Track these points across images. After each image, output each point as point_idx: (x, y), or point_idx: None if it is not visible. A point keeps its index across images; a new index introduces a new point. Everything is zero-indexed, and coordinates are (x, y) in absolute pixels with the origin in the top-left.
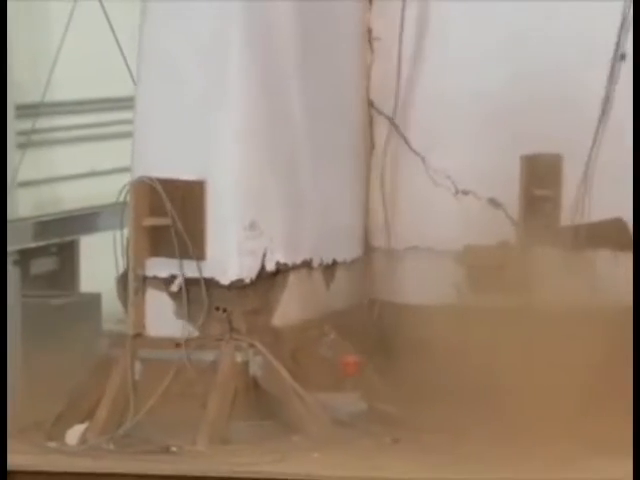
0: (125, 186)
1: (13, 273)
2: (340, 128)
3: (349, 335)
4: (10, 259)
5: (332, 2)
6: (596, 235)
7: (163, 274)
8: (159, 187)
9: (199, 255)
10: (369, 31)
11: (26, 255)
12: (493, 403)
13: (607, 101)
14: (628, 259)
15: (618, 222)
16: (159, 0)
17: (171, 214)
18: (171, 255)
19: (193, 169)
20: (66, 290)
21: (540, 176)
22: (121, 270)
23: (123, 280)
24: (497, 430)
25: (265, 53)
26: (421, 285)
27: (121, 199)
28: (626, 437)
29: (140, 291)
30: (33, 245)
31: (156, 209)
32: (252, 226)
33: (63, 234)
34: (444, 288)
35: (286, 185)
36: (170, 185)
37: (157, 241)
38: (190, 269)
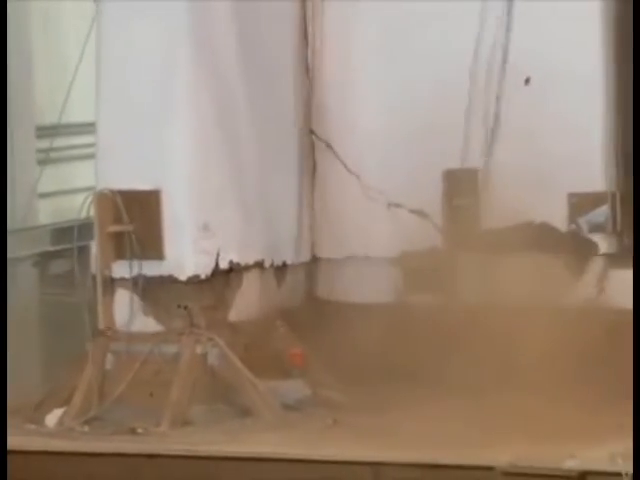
0: (88, 198)
1: (33, 274)
2: (284, 149)
3: (296, 329)
4: (30, 261)
5: (271, 35)
6: (516, 238)
7: (128, 275)
8: (118, 197)
9: (158, 255)
10: (306, 66)
11: (45, 258)
12: (422, 388)
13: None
14: (550, 259)
15: (537, 225)
16: (111, 26)
17: (127, 221)
18: (134, 257)
19: (149, 180)
20: (79, 288)
21: (460, 188)
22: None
23: (91, 281)
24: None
25: (211, 74)
26: (359, 286)
27: (84, 212)
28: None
29: (108, 291)
30: (51, 249)
31: (120, 217)
32: (205, 227)
33: (77, 239)
34: (380, 289)
35: (236, 192)
36: (129, 195)
37: (122, 245)
38: (152, 269)
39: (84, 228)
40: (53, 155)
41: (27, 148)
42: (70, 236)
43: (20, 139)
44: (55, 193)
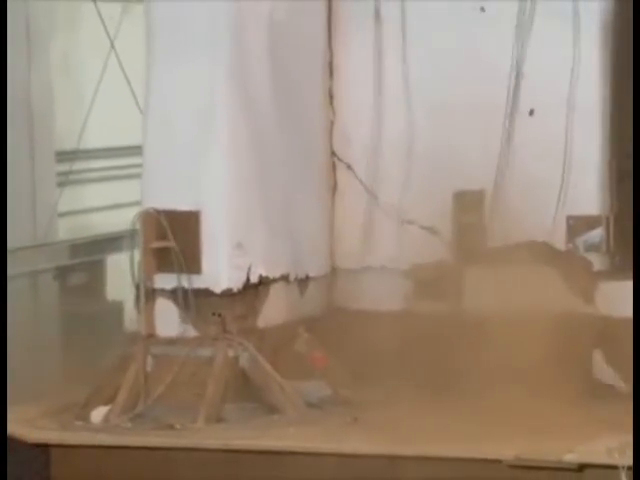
0: (135, 216)
1: (53, 285)
2: (308, 171)
3: (318, 335)
4: (50, 274)
5: (299, 69)
6: (518, 253)
7: (168, 286)
8: (162, 216)
9: (196, 270)
10: (330, 95)
11: (63, 271)
12: (432, 388)
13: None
14: (547, 273)
15: (538, 243)
16: (160, 63)
17: (170, 238)
18: (174, 271)
19: (190, 201)
20: (95, 299)
21: (468, 208)
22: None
23: (137, 291)
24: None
25: (246, 106)
26: (374, 295)
27: (133, 226)
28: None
29: (150, 300)
30: (69, 262)
31: (162, 234)
32: (238, 246)
33: (93, 254)
34: (393, 297)
35: (265, 213)
36: (172, 214)
37: (163, 259)
38: (191, 282)
39: (98, 243)
40: (72, 178)
41: (48, 171)
42: (86, 251)
43: (41, 163)
44: (73, 212)
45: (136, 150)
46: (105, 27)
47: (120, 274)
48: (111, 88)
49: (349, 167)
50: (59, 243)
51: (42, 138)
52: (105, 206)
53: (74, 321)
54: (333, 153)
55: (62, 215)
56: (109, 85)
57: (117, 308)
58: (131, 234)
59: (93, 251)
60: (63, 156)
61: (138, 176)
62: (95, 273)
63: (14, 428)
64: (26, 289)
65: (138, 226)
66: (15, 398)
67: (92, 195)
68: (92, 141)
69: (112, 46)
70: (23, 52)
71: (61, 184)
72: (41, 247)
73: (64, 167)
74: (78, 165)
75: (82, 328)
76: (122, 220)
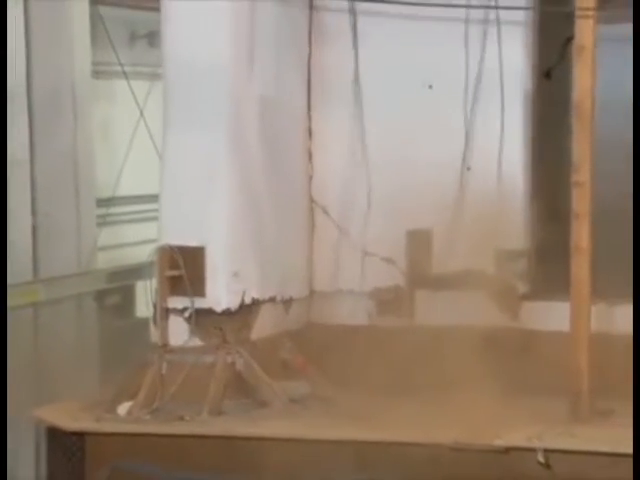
0: (153, 250)
1: (93, 305)
2: (292, 214)
3: (299, 344)
4: (91, 296)
5: (284, 134)
6: (458, 279)
7: (179, 306)
8: (174, 250)
9: (202, 293)
10: (309, 154)
11: (101, 294)
12: (390, 388)
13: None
14: (481, 295)
15: (474, 271)
16: (175, 134)
17: (181, 268)
18: (184, 294)
19: (197, 239)
20: (127, 316)
21: (417, 244)
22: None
23: (154, 310)
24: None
25: (242, 167)
26: (344, 312)
27: (151, 259)
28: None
29: (164, 317)
30: (106, 287)
31: (175, 265)
32: (235, 275)
33: (125, 280)
34: (358, 314)
35: (257, 247)
36: (182, 249)
37: (175, 285)
38: (197, 303)
39: (129, 271)
40: (108, 219)
41: (89, 214)
42: (120, 278)
43: (85, 208)
44: (109, 247)
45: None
46: (135, 99)
47: (146, 296)
48: (140, 148)
49: (324, 211)
50: (98, 271)
51: (85, 188)
52: (135, 242)
53: (110, 334)
54: (312, 199)
55: (101, 249)
56: (139, 145)
57: (144, 324)
58: (150, 265)
59: (125, 278)
60: (102, 202)
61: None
62: (127, 295)
63: (56, 420)
64: (72, 309)
65: (155, 258)
66: (59, 396)
67: (124, 233)
68: (125, 190)
69: (141, 114)
70: (70, 119)
71: (100, 224)
72: (84, 275)
73: (102, 211)
74: (113, 209)
75: (116, 340)
76: (148, 253)
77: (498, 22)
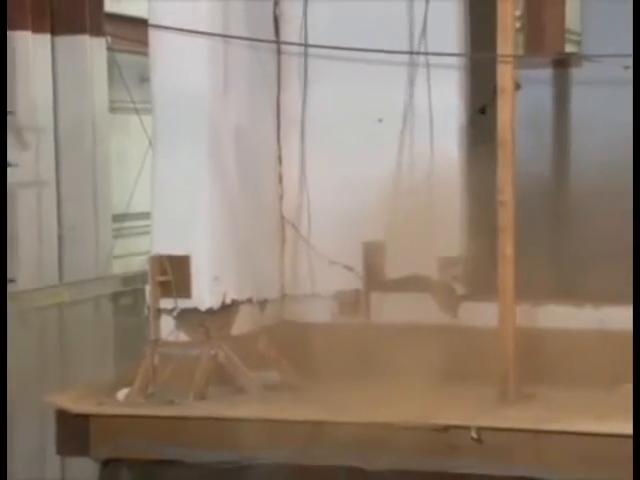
0: (147, 259)
1: (109, 305)
2: (265, 228)
3: (273, 339)
4: (108, 298)
5: (257, 159)
6: (407, 285)
7: (169, 307)
8: (164, 259)
9: (188, 295)
10: (280, 177)
11: (117, 295)
12: (352, 376)
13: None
14: (425, 297)
15: (420, 276)
16: (163, 157)
17: (170, 273)
18: (172, 296)
19: (183, 249)
20: (138, 314)
21: (373, 253)
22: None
23: (148, 310)
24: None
25: (222, 187)
26: (311, 312)
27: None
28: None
29: (157, 316)
30: (120, 290)
31: (165, 271)
32: (216, 279)
33: (136, 284)
34: (324, 314)
35: (235, 257)
36: (171, 258)
37: (165, 289)
38: (184, 303)
39: (140, 276)
40: (122, 232)
41: (106, 228)
42: (131, 282)
43: (102, 223)
44: (123, 255)
45: None
46: (145, 130)
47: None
48: (149, 173)
49: (293, 226)
50: (114, 276)
51: (103, 206)
52: (144, 252)
53: (123, 330)
54: (282, 216)
55: (116, 257)
56: (148, 170)
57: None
58: (144, 271)
59: (136, 282)
60: (117, 218)
61: None
62: (138, 297)
63: (64, 403)
64: (91, 308)
65: (148, 266)
66: (80, 382)
67: (136, 244)
68: (136, 208)
69: (150, 143)
70: (90, 147)
71: (115, 236)
72: (101, 279)
73: (117, 225)
74: (127, 224)
75: (128, 335)
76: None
77: (428, 66)
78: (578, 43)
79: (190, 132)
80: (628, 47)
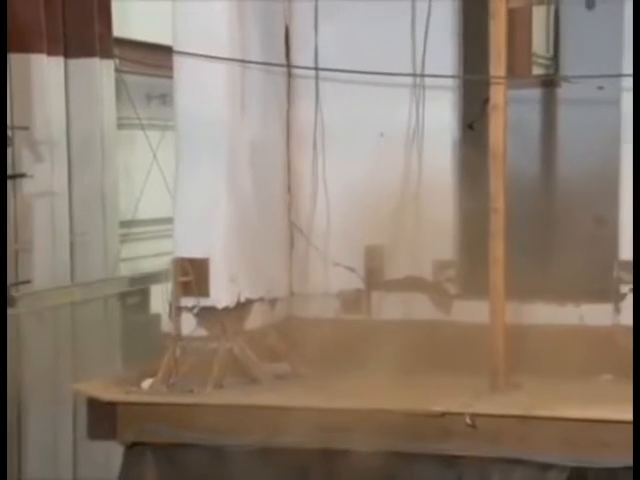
0: (170, 262)
1: (117, 305)
2: (276, 234)
3: (282, 333)
4: (116, 297)
5: (269, 171)
6: (399, 285)
7: (190, 304)
8: (185, 261)
9: (206, 294)
10: (289, 187)
11: (124, 295)
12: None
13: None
14: (420, 297)
15: (415, 277)
16: (185, 170)
17: (190, 274)
18: (193, 295)
19: (203, 252)
20: (144, 313)
21: (374, 255)
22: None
23: (169, 308)
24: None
25: (237, 196)
26: (316, 309)
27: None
28: None
29: (178, 313)
30: (128, 290)
31: (186, 272)
32: (232, 279)
33: (142, 284)
34: (328, 310)
35: (249, 261)
36: (191, 260)
37: (186, 288)
38: (203, 302)
39: (145, 277)
40: (129, 237)
41: (114, 233)
42: (138, 282)
43: (110, 229)
44: (129, 258)
45: (167, 221)
46: (150, 145)
47: (159, 297)
48: (154, 183)
49: (300, 231)
50: (121, 278)
51: (111, 213)
52: (149, 255)
53: (130, 327)
54: (291, 222)
55: (123, 260)
56: (152, 181)
57: (157, 319)
58: (166, 272)
59: (142, 283)
60: (123, 224)
61: (168, 237)
62: (143, 297)
63: (94, 392)
64: (101, 307)
65: (171, 268)
66: (95, 375)
67: (141, 248)
68: (142, 215)
69: (154, 157)
70: (99, 160)
71: (122, 241)
72: (109, 280)
73: (124, 231)
74: (133, 230)
75: (135, 331)
76: (158, 264)
77: (423, 87)
78: (546, 66)
79: (209, 148)
80: (603, 69)
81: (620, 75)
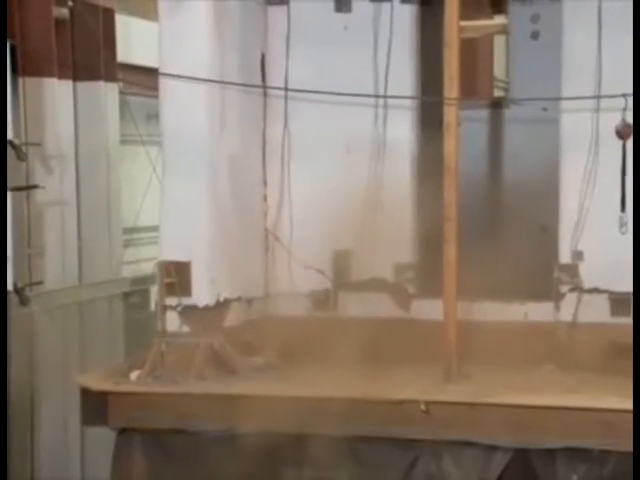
0: (155, 264)
1: (120, 304)
2: (253, 240)
3: (258, 330)
4: (119, 297)
5: (246, 182)
6: (367, 284)
7: (173, 304)
8: (170, 264)
9: (188, 294)
10: (265, 196)
11: (126, 294)
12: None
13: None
14: (382, 296)
15: (378, 278)
16: (171, 182)
17: (174, 276)
18: (176, 295)
19: (185, 256)
20: (145, 310)
21: (341, 258)
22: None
23: (156, 307)
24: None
25: (217, 205)
26: (289, 308)
27: (154, 270)
28: None
29: (163, 311)
30: (130, 290)
31: (170, 274)
32: (212, 281)
33: (143, 285)
34: (299, 309)
35: (228, 264)
36: (175, 263)
37: (170, 289)
38: (185, 301)
39: (147, 279)
40: (131, 242)
41: (117, 239)
42: (139, 283)
43: (114, 235)
44: (132, 261)
45: None
46: (150, 159)
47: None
48: (153, 193)
49: (275, 237)
50: (124, 279)
51: (115, 220)
52: (149, 258)
53: (132, 324)
54: (266, 229)
55: (126, 263)
56: (152, 191)
57: (156, 316)
58: (149, 275)
59: (143, 283)
60: (126, 230)
61: None
62: (144, 296)
63: (87, 383)
64: (105, 306)
65: (156, 270)
66: (97, 367)
67: (142, 252)
68: (143, 222)
69: (154, 170)
70: (104, 172)
71: (125, 246)
72: (113, 281)
73: (127, 237)
74: (135, 235)
75: (137, 328)
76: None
77: (386, 107)
78: (505, 89)
79: (192, 161)
80: (546, 92)
81: (561, 98)
